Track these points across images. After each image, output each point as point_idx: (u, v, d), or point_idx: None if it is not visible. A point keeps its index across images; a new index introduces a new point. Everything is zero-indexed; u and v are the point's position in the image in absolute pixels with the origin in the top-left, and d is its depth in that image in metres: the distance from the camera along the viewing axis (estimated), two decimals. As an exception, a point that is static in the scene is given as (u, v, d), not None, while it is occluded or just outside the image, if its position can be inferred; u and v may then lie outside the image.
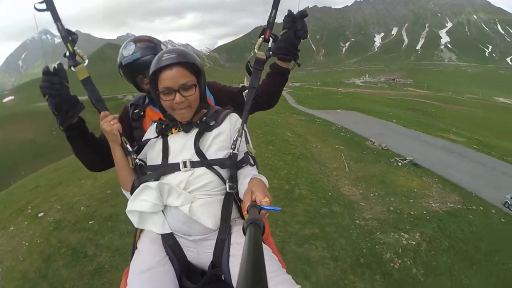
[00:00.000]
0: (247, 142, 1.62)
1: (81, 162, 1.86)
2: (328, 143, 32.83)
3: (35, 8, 1.49)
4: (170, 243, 1.53)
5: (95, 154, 1.77)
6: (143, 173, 1.59)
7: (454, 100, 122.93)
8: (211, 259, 1.52)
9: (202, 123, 1.60)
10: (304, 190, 19.38)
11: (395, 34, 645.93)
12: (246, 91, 1.93)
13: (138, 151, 1.70)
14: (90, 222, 13.62)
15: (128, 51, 2.00)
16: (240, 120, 1.71)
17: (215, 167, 1.52)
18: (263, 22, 1.97)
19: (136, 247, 1.57)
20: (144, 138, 1.72)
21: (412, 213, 17.89)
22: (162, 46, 2.06)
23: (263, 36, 1.78)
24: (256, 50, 1.82)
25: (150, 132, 1.73)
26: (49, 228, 13.23)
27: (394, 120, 53.92)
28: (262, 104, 2.03)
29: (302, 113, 58.54)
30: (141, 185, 1.50)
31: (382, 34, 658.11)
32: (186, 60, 1.48)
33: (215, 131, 1.60)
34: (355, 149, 31.51)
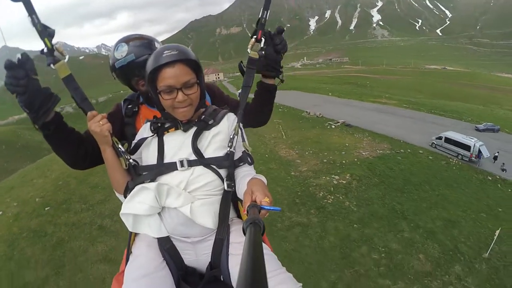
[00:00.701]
0: (243, 140, 1.60)
1: (62, 159, 1.73)
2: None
3: None
4: (167, 247, 1.48)
5: (77, 150, 1.65)
6: (138, 174, 1.53)
7: (388, 71, 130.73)
8: (209, 260, 1.49)
9: (201, 122, 1.55)
10: (241, 155, 20.78)
11: (328, 16, 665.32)
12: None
13: (132, 151, 1.62)
14: (46, 209, 14.37)
15: (120, 53, 1.89)
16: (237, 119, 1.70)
17: (214, 166, 1.49)
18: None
19: (131, 252, 1.51)
20: (138, 137, 1.66)
21: (343, 161, 19.89)
22: (156, 44, 1.97)
23: (255, 37, 1.75)
24: (249, 50, 1.78)
25: (144, 130, 1.65)
26: (8, 221, 13.74)
27: (330, 93, 56.89)
28: (253, 121, 2.00)
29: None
30: (138, 187, 1.44)
31: (316, 17, 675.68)
32: (188, 57, 1.43)
33: (213, 130, 1.55)
34: (292, 120, 33.50)
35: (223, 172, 1.50)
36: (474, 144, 22.63)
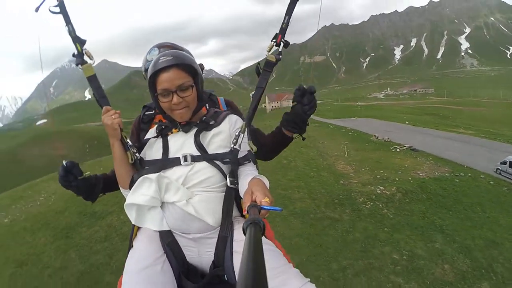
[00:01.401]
0: (248, 139, 1.63)
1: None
2: (335, 141, 34.96)
3: (49, 11, 1.61)
4: (168, 241, 1.48)
5: (116, 182, 1.73)
6: (143, 167, 1.59)
7: (474, 102, 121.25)
8: (213, 259, 1.47)
9: (202, 123, 1.60)
10: (300, 163, 22.37)
11: (414, 45, 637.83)
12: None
13: (138, 151, 1.68)
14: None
15: (152, 56, 2.07)
16: (240, 120, 1.72)
17: (217, 161, 1.51)
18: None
19: (132, 246, 1.52)
20: (145, 138, 1.76)
21: (396, 179, 19.94)
22: (187, 52, 2.00)
23: (274, 40, 1.80)
24: (266, 53, 1.82)
25: (151, 133, 1.74)
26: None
27: (406, 122, 55.43)
28: (259, 154, 1.92)
29: (317, 121, 59.96)
30: (140, 178, 1.48)
31: (402, 46, 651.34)
32: (182, 62, 1.50)
33: (214, 130, 1.60)
34: (359, 142, 33.87)
35: (226, 168, 1.53)
36: None
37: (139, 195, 1.45)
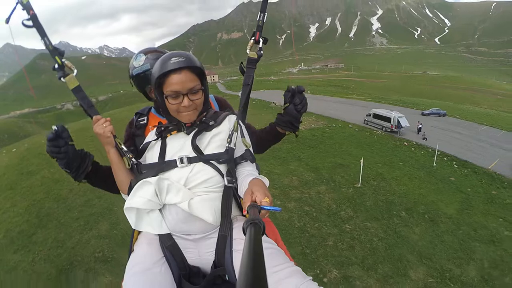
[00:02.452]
0: (242, 136, 1.60)
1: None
2: (235, 107, 37.83)
3: (23, 24, 1.60)
4: (168, 244, 1.47)
5: (114, 186, 1.71)
6: (140, 172, 1.56)
7: (377, 75, 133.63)
8: (213, 259, 1.46)
9: (202, 124, 1.57)
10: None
11: (329, 23, 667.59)
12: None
13: (139, 156, 1.67)
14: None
15: (138, 62, 2.04)
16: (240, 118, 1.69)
17: (213, 162, 1.50)
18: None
19: (133, 250, 1.51)
20: (144, 142, 1.72)
21: None
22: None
23: (253, 38, 1.81)
24: (248, 51, 1.83)
25: (150, 136, 1.70)
26: None
27: (308, 91, 60.46)
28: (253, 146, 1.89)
29: (228, 94, 62.05)
30: (140, 182, 1.47)
31: (317, 24, 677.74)
32: (194, 64, 1.46)
33: (214, 131, 1.57)
34: (257, 108, 37.84)
35: (222, 167, 1.51)
36: (394, 116, 26.20)
37: (137, 198, 1.44)
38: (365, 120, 29.46)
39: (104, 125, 1.57)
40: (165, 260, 1.44)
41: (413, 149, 22.61)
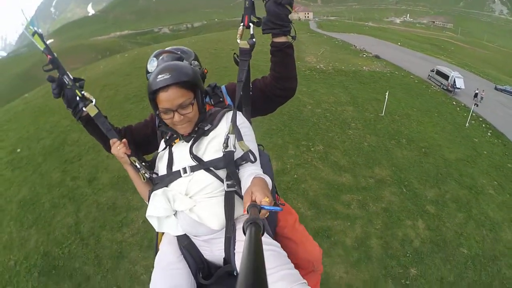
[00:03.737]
0: (239, 139, 1.55)
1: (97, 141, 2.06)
2: (318, 45, 40.62)
3: (44, 70, 1.74)
4: (185, 243, 1.65)
5: (105, 142, 1.88)
6: (154, 184, 1.71)
7: (482, 45, 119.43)
8: (224, 256, 1.59)
9: (198, 130, 1.63)
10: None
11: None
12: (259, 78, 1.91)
13: (152, 166, 1.83)
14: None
15: (151, 67, 2.06)
16: (240, 116, 1.70)
17: (211, 168, 1.56)
18: None
19: (158, 249, 1.76)
20: (157, 152, 1.86)
21: (342, 67, 26.70)
22: (186, 58, 2.04)
23: (242, 24, 1.64)
24: (238, 40, 1.67)
25: (161, 145, 1.82)
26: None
27: (399, 43, 58.65)
28: (274, 92, 1.85)
29: (315, 32, 63.16)
30: (152, 194, 1.64)
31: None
32: (181, 80, 1.49)
33: (211, 134, 1.62)
34: (339, 49, 39.94)
35: (221, 173, 1.56)
36: (452, 75, 27.29)
37: (154, 209, 1.60)
38: (429, 75, 30.49)
39: (118, 147, 1.72)
40: (183, 258, 1.64)
41: (458, 109, 24.16)
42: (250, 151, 1.54)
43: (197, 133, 1.63)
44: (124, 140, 1.75)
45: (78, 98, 1.79)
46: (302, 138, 14.69)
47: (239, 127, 1.59)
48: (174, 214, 1.63)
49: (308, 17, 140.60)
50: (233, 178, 1.52)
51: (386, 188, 12.34)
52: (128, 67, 25.86)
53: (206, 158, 1.58)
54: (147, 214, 1.63)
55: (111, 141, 1.77)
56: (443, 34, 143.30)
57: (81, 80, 1.84)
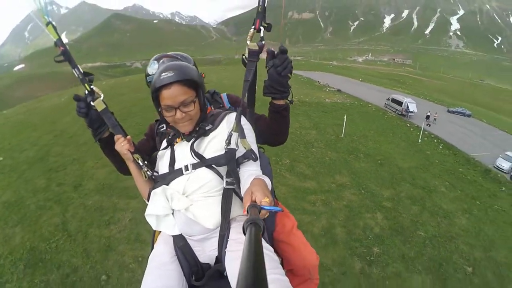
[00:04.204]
0: (242, 137, 1.58)
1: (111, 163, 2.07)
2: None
3: (55, 61, 1.75)
4: (180, 245, 1.63)
5: (121, 164, 1.90)
6: (156, 182, 1.72)
7: (439, 77, 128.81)
8: (216, 255, 1.59)
9: (200, 129, 1.66)
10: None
11: (405, 16, 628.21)
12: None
13: (153, 164, 1.84)
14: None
15: (152, 70, 2.14)
16: (243, 117, 1.70)
17: (213, 165, 1.57)
18: None
19: (153, 247, 1.74)
20: (158, 150, 1.86)
21: (306, 100, 29.01)
22: (187, 62, 2.07)
23: (253, 27, 1.68)
24: (248, 42, 1.71)
25: (163, 144, 1.82)
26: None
27: (360, 79, 63.36)
28: (269, 139, 1.99)
29: None
30: (152, 192, 1.65)
31: (392, 15, 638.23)
32: (184, 78, 1.52)
33: (212, 134, 1.65)
34: (304, 84, 43.06)
35: (222, 170, 1.58)
36: (405, 101, 30.92)
37: (153, 207, 1.61)
38: (385, 103, 33.99)
39: (122, 144, 1.74)
40: (176, 259, 1.61)
41: (412, 129, 26.91)
42: (252, 150, 1.56)
43: (198, 132, 1.65)
44: (128, 136, 1.79)
45: (86, 92, 1.82)
46: (271, 155, 16.01)
47: (242, 126, 1.61)
48: (172, 213, 1.64)
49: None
50: (233, 176, 1.54)
51: (346, 190, 14.05)
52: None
53: (206, 155, 1.60)
54: (146, 213, 1.66)
55: (115, 137, 1.80)
56: (402, 69, 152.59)
57: (90, 74, 1.87)
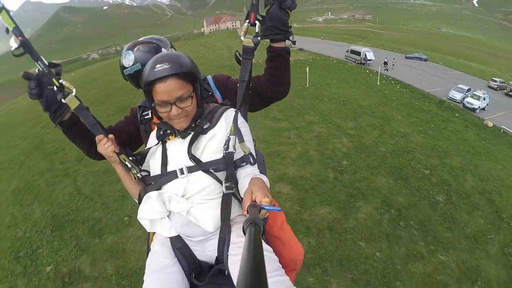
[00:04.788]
0: (241, 141, 1.50)
1: (79, 148, 1.90)
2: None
3: (14, 55, 1.53)
4: (178, 246, 1.60)
5: (90, 146, 1.78)
6: (147, 184, 1.62)
7: (398, 29, 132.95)
8: (216, 255, 1.56)
9: (197, 127, 1.54)
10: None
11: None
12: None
13: (141, 161, 1.70)
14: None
15: (128, 61, 1.92)
16: (239, 115, 1.59)
17: (211, 170, 1.50)
18: None
19: (150, 249, 1.68)
20: (147, 147, 1.73)
21: None
22: (164, 47, 1.97)
23: (248, 21, 1.60)
24: (242, 38, 1.63)
25: (152, 139, 1.71)
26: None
27: (321, 37, 65.42)
28: (268, 94, 1.83)
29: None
30: (145, 197, 1.54)
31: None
32: (181, 71, 1.39)
33: (210, 133, 1.55)
34: (265, 48, 44.07)
35: (221, 175, 1.52)
36: (363, 50, 32.88)
37: (147, 211, 1.53)
38: (345, 55, 35.59)
39: (106, 145, 1.57)
40: (177, 261, 1.57)
41: (371, 75, 28.75)
42: (250, 153, 1.52)
43: (195, 130, 1.54)
44: (111, 136, 1.62)
45: (55, 87, 1.59)
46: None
47: (239, 126, 1.52)
48: (168, 216, 1.59)
49: (235, 25, 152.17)
50: (232, 180, 1.50)
51: (315, 125, 15.68)
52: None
53: (204, 158, 1.52)
54: (138, 216, 1.57)
55: (97, 138, 1.61)
56: (363, 25, 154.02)
57: (57, 65, 1.64)
